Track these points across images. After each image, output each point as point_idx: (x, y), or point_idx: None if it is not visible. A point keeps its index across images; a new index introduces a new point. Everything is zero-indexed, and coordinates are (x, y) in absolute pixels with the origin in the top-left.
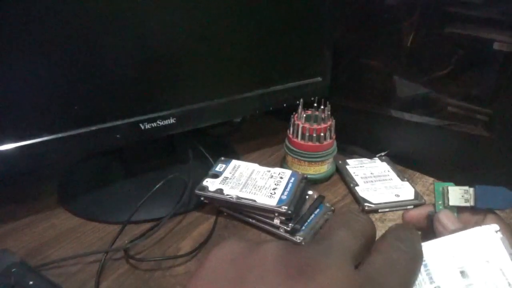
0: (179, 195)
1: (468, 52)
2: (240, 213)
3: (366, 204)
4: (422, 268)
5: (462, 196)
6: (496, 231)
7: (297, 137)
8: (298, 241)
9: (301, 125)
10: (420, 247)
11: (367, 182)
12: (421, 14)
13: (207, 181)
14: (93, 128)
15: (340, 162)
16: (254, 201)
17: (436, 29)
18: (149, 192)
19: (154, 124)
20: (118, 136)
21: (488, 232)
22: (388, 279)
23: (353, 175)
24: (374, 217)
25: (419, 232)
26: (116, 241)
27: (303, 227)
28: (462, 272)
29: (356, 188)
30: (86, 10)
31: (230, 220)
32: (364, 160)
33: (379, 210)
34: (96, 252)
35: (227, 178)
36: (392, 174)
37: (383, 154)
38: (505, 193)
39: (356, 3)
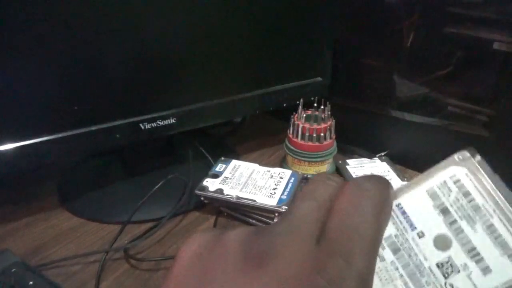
0: (179, 195)
1: (468, 52)
2: (240, 213)
3: None
4: (401, 216)
5: None
6: (472, 156)
7: (297, 137)
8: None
9: (301, 125)
10: (388, 198)
11: None
12: (421, 14)
13: (207, 181)
14: (93, 128)
15: (340, 162)
16: (254, 201)
17: (436, 29)
18: (149, 192)
19: (154, 124)
20: (118, 136)
21: (463, 160)
22: (351, 247)
23: (353, 175)
24: None
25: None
26: (116, 241)
27: None
28: (442, 210)
29: None
30: (87, 10)
31: (230, 220)
32: (364, 160)
33: None
34: (96, 252)
35: (227, 178)
36: (392, 174)
37: (383, 154)
38: None
39: (356, 3)
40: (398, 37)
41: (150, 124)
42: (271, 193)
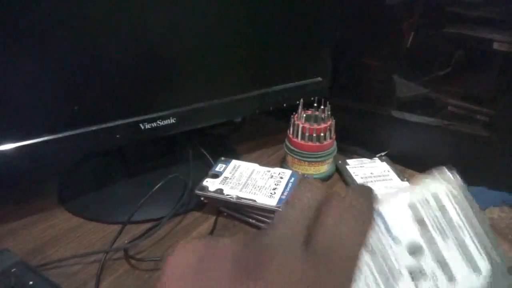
0: (179, 195)
1: (468, 52)
2: (240, 213)
3: None
4: (380, 222)
5: None
6: (452, 174)
7: (297, 137)
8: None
9: (301, 125)
10: (371, 212)
11: (367, 182)
12: (421, 14)
13: (207, 181)
14: (93, 128)
15: (340, 162)
16: (254, 201)
17: (436, 29)
18: (149, 192)
19: (154, 124)
20: (118, 136)
21: (443, 178)
22: (337, 255)
23: (353, 175)
24: None
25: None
26: (116, 241)
27: None
28: (419, 222)
29: None
30: (87, 10)
31: (230, 220)
32: (364, 160)
33: None
34: (96, 252)
35: (227, 178)
36: (392, 174)
37: (383, 154)
38: (486, 193)
39: (356, 3)
40: (398, 37)
41: (150, 124)
42: (271, 193)
